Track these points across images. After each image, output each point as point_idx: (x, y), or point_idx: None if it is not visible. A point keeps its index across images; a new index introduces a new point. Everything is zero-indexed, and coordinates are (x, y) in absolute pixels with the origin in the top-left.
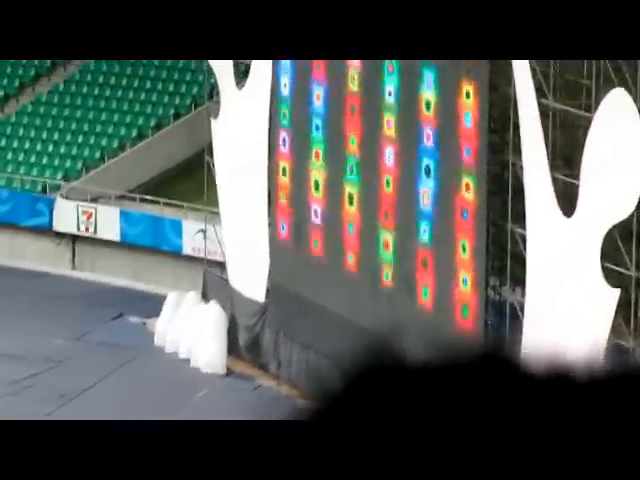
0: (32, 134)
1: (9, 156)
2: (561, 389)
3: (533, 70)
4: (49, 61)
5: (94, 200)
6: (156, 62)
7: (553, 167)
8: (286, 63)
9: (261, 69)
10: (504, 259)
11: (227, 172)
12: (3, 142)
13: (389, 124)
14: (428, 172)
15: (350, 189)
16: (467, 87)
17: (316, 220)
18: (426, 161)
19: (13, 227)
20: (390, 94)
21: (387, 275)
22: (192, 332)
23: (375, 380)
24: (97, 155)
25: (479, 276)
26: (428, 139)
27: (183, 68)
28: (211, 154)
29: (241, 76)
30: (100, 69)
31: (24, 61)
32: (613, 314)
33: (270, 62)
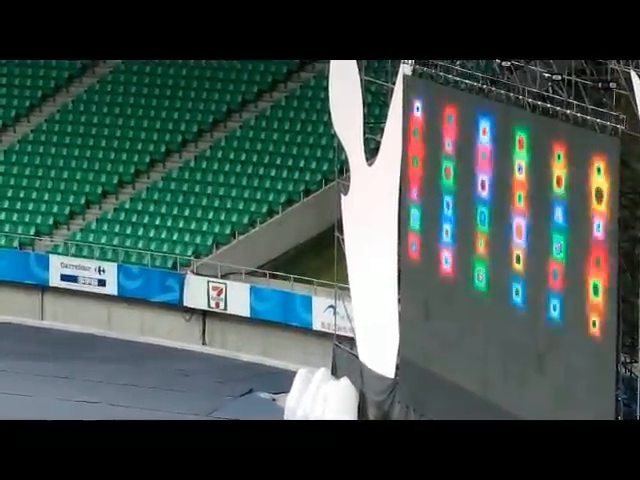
0: (163, 210)
1: (140, 232)
2: None
3: None
4: (180, 137)
5: (224, 276)
6: (286, 138)
7: None
8: (416, 143)
9: (391, 145)
10: (635, 335)
11: (356, 248)
12: (134, 218)
13: (519, 199)
14: (559, 248)
15: (479, 267)
16: (598, 163)
17: (446, 296)
18: (556, 237)
19: (144, 303)
20: (520, 169)
21: (516, 353)
22: (322, 408)
23: None
24: (227, 231)
25: (610, 352)
26: (558, 215)
27: (313, 144)
28: (341, 230)
29: (371, 152)
30: (231, 145)
31: (155, 137)
32: None
33: (401, 139)
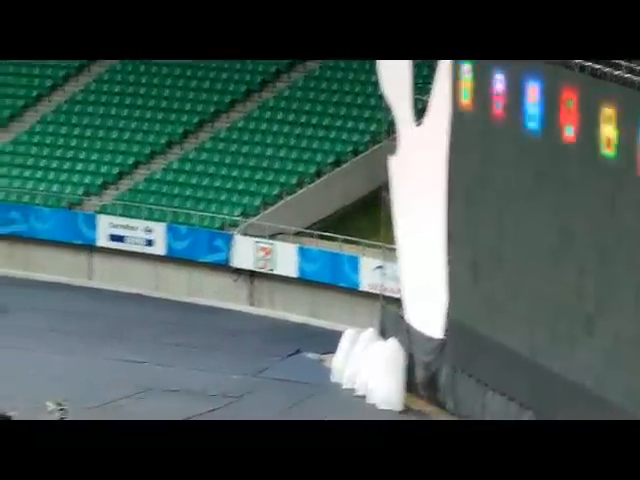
0: (211, 170)
1: (188, 192)
2: None
3: None
4: (229, 97)
5: (272, 236)
6: (335, 99)
7: None
8: (465, 103)
9: (440, 106)
10: None
11: (404, 209)
12: (182, 178)
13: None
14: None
15: (524, 223)
16: None
17: (494, 255)
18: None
19: (192, 263)
20: (571, 131)
21: (565, 315)
22: (369, 369)
23: None
24: (275, 192)
25: None
26: (605, 176)
27: (362, 105)
28: (388, 191)
29: (419, 113)
30: (279, 105)
31: (203, 97)
32: None
33: (449, 99)
